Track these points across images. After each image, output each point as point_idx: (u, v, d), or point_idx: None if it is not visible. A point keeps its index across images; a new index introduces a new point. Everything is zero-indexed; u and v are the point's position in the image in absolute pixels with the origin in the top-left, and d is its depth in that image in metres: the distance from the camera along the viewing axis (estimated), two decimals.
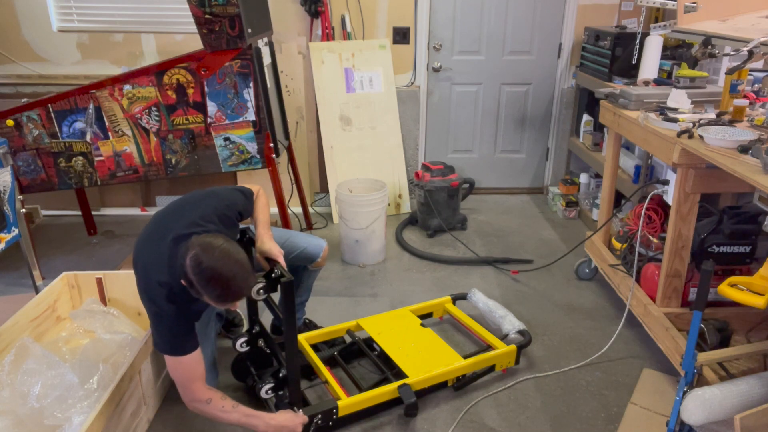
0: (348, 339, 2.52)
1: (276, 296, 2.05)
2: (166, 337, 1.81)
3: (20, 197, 2.72)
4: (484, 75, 4.21)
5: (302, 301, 2.58)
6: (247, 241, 2.11)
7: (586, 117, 3.97)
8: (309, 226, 3.85)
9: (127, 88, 2.89)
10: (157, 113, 2.94)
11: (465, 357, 2.35)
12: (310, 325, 2.69)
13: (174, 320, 1.78)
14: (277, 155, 3.11)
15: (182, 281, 1.69)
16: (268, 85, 3.10)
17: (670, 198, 2.44)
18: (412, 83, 4.17)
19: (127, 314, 2.53)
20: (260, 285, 1.89)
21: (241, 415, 1.89)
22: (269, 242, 1.99)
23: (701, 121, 2.19)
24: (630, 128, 2.57)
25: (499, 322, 2.60)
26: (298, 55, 3.93)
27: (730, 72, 2.27)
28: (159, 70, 2.86)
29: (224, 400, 1.89)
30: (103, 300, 2.60)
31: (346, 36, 3.99)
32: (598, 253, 2.99)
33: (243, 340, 2.22)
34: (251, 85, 2.92)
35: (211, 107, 2.95)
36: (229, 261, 1.66)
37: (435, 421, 2.16)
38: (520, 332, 2.53)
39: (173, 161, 3.03)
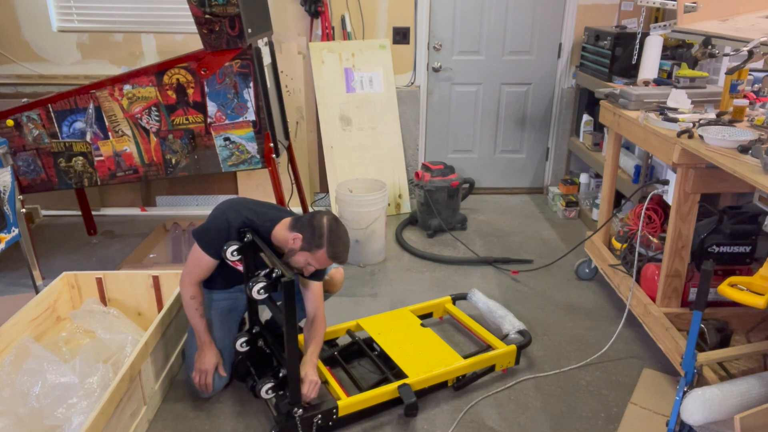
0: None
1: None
2: (204, 232, 2.13)
3: (20, 197, 2.72)
4: (484, 75, 4.21)
5: (302, 317, 2.33)
6: (248, 241, 2.11)
7: (586, 117, 3.97)
8: None
9: (127, 88, 2.89)
10: (157, 113, 2.94)
11: (465, 357, 2.35)
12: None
13: (219, 231, 2.10)
14: (277, 155, 3.11)
15: (297, 233, 2.03)
16: (268, 85, 3.10)
17: (670, 198, 2.44)
18: (412, 83, 4.17)
19: (127, 314, 2.53)
20: (261, 284, 1.89)
21: (197, 322, 2.17)
22: (311, 369, 2.13)
23: (701, 121, 2.19)
24: (630, 128, 2.57)
25: (499, 322, 2.60)
26: (298, 55, 3.93)
27: (730, 72, 2.27)
28: (159, 70, 2.86)
29: (201, 306, 2.18)
30: (103, 300, 2.60)
31: (346, 36, 3.99)
32: (598, 253, 2.99)
33: (243, 340, 2.22)
34: (251, 85, 2.92)
35: (211, 107, 2.94)
36: (348, 236, 2.12)
37: (435, 421, 2.16)
38: (520, 332, 2.53)
39: (173, 161, 3.03)
